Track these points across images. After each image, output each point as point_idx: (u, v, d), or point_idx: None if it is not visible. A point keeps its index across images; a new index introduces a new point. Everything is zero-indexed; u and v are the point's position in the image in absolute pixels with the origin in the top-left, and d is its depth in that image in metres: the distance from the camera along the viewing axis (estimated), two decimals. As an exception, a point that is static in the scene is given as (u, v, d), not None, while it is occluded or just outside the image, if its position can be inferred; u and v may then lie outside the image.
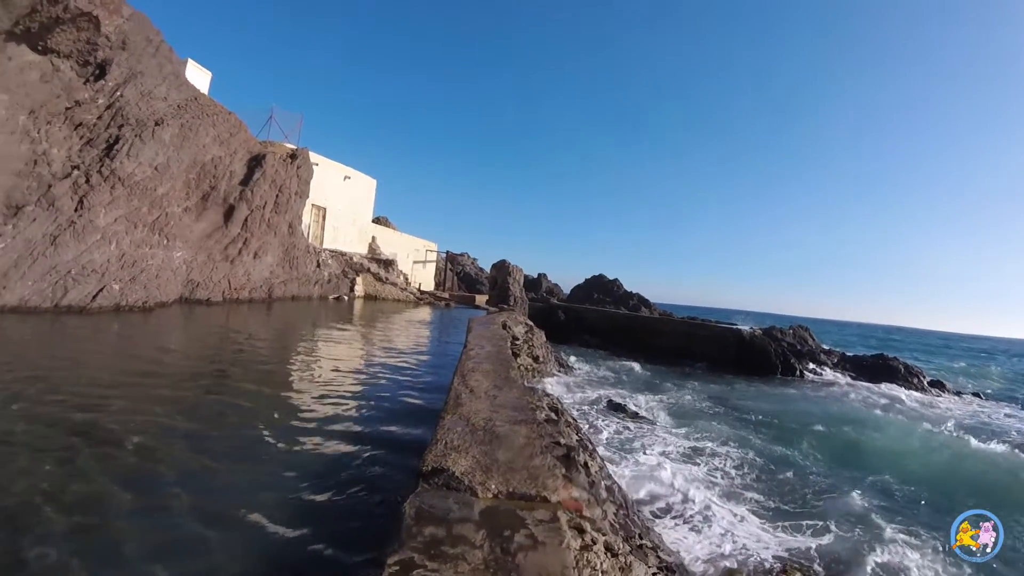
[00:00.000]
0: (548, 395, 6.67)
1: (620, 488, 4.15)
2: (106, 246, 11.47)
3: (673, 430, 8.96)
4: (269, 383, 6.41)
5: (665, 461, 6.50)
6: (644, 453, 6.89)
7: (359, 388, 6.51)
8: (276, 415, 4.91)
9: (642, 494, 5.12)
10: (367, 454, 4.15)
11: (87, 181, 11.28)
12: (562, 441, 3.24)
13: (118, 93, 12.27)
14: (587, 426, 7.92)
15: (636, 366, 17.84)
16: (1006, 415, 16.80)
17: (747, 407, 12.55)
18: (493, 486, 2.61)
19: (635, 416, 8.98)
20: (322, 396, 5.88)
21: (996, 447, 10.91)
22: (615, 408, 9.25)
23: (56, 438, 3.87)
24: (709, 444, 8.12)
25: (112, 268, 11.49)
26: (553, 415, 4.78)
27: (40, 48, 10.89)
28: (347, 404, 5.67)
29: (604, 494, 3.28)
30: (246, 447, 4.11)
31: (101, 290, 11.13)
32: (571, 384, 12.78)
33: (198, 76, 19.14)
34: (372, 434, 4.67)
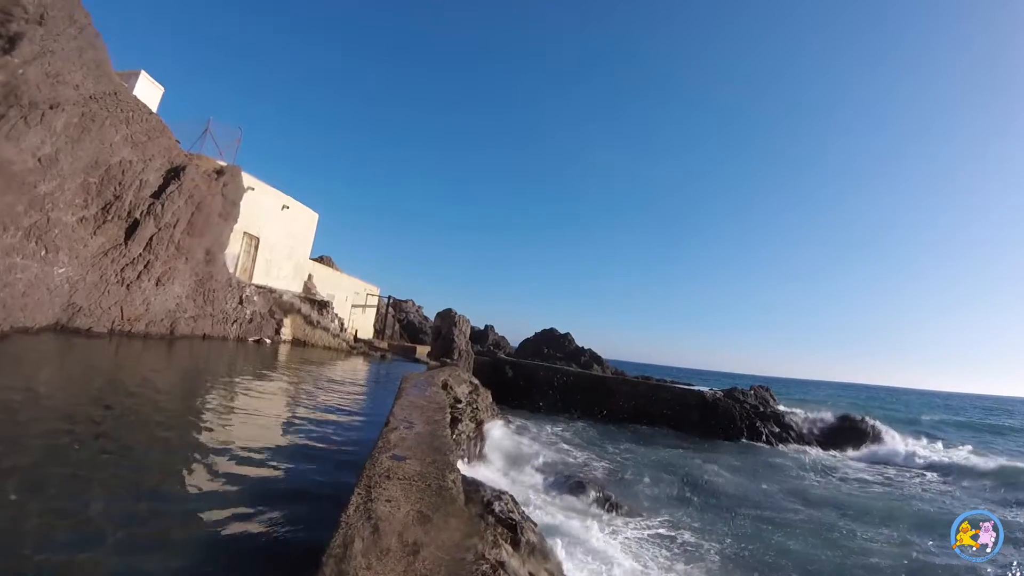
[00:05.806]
0: (501, 498, 4.00)
1: None
2: (-47, 249, 8.75)
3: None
4: (148, 464, 4.56)
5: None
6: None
7: (254, 487, 4.51)
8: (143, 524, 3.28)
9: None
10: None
11: (-59, 164, 8.73)
12: None
13: (20, 71, 10.02)
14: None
15: (607, 443, 16.25)
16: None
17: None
18: None
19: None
20: (207, 498, 4.06)
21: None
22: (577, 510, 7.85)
23: None
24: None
25: (-46, 278, 8.70)
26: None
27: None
28: (224, 514, 3.77)
29: None
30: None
31: (-71, 305, 8.29)
32: (523, 460, 10.78)
33: (149, 90, 17.26)
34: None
